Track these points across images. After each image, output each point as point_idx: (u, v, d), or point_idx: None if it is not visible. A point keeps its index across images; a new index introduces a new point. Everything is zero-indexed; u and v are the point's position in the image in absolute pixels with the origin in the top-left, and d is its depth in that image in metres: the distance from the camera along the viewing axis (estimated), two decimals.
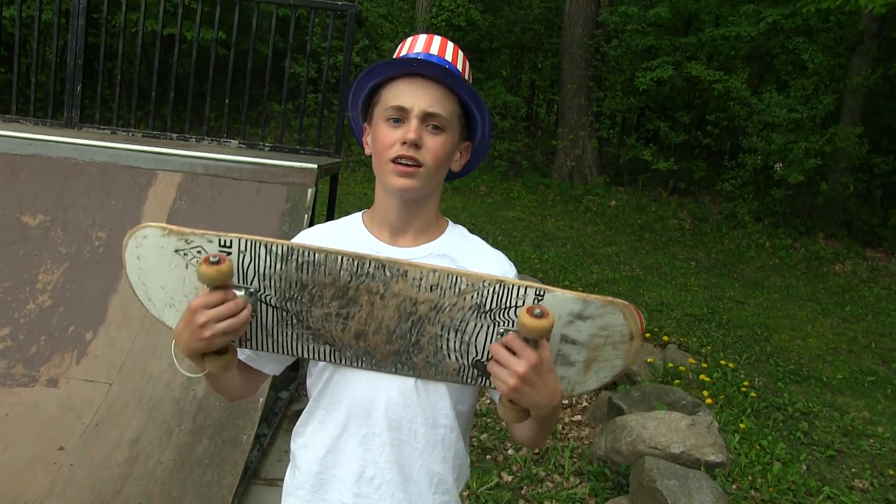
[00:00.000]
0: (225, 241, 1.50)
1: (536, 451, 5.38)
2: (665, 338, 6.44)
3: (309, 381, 1.78)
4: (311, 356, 1.63)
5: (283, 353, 1.64)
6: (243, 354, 1.73)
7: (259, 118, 6.25)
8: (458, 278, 1.48)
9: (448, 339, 1.54)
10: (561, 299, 1.45)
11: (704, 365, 5.86)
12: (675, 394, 5.28)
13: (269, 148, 6.13)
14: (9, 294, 4.43)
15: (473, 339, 1.52)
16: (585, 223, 12.46)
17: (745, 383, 5.62)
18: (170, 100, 6.40)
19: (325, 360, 1.64)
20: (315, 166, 5.00)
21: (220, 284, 1.45)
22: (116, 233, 4.69)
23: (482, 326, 1.50)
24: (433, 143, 1.63)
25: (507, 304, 1.46)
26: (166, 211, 4.84)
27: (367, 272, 1.50)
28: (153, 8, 7.52)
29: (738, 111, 12.76)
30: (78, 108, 6.22)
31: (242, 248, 1.50)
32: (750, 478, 4.31)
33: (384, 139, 1.65)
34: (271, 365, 1.77)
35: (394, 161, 1.63)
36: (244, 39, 6.15)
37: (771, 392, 5.60)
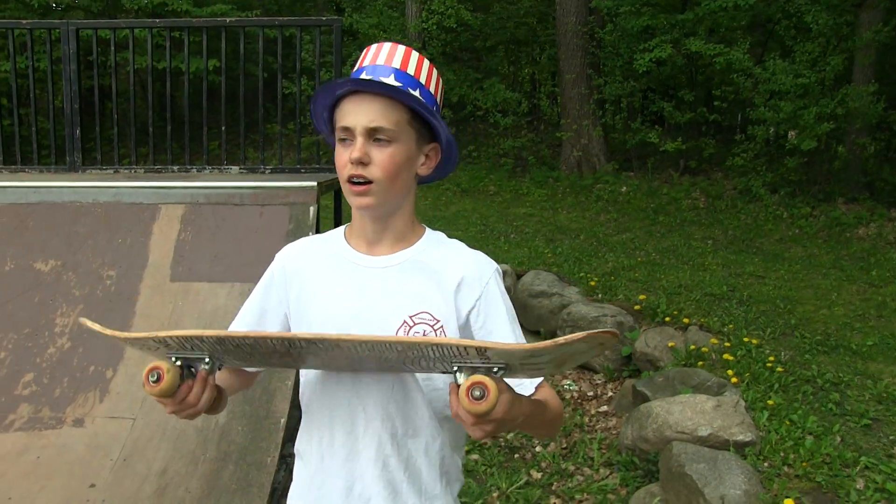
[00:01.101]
0: (162, 340, 1.51)
1: (565, 446, 5.35)
2: (685, 320, 6.38)
3: (300, 394, 1.84)
4: (289, 367, 1.73)
5: (264, 368, 1.73)
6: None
7: (259, 142, 6.25)
8: (390, 345, 1.44)
9: (414, 370, 1.59)
10: (505, 354, 1.37)
11: (727, 344, 5.79)
12: (699, 376, 5.24)
13: (270, 170, 6.16)
14: (29, 340, 4.49)
15: (437, 373, 1.56)
16: (597, 212, 12.40)
17: (771, 359, 5.54)
18: (168, 133, 6.42)
19: (306, 367, 1.73)
20: (314, 184, 5.03)
21: (168, 395, 1.50)
22: (126, 270, 4.75)
23: (438, 368, 1.49)
24: (380, 157, 1.65)
25: (454, 356, 1.39)
26: (172, 244, 4.88)
27: (302, 346, 1.50)
28: (143, 45, 7.54)
29: (742, 83, 12.61)
30: (79, 151, 6.29)
31: (182, 343, 1.51)
32: (782, 454, 4.24)
33: (338, 160, 1.69)
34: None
35: (349, 181, 1.67)
36: (236, 65, 6.16)
37: (798, 365, 5.51)
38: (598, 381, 6.40)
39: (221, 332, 1.50)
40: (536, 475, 4.91)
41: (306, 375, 1.80)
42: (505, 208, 12.83)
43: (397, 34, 16.39)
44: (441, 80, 1.81)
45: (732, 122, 15.49)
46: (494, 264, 1.80)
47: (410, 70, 1.72)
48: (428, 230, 1.84)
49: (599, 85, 14.58)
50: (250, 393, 3.99)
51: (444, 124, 1.74)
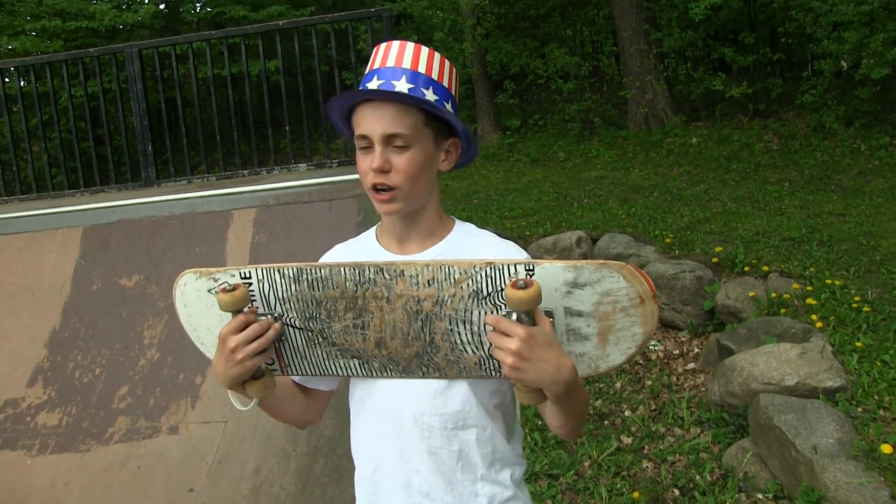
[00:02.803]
0: (244, 273, 1.61)
1: (654, 407, 5.34)
2: (765, 268, 6.28)
3: (349, 397, 1.86)
4: (345, 372, 1.70)
5: (320, 373, 1.72)
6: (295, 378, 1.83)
7: (324, 138, 6.35)
8: (451, 268, 1.51)
9: (459, 333, 1.56)
10: (551, 270, 1.45)
11: (809, 288, 5.68)
12: (782, 324, 5.17)
13: (336, 164, 6.23)
14: (121, 354, 4.68)
15: (482, 327, 1.54)
16: (669, 167, 12.22)
17: (857, 298, 5.41)
18: (234, 138, 6.57)
19: (358, 374, 1.71)
20: None
21: (239, 309, 1.56)
22: None
23: (486, 313, 1.52)
24: (401, 162, 1.67)
25: (503, 286, 1.48)
26: (248, 247, 4.99)
27: (369, 278, 1.56)
28: (204, 55, 7.71)
29: (802, 19, 12.26)
30: (153, 166, 6.48)
31: (260, 276, 1.60)
32: (876, 397, 4.16)
33: (360, 167, 1.72)
34: (324, 381, 1.88)
35: (372, 188, 1.69)
36: (296, 64, 6.28)
37: (887, 303, 5.36)
38: (683, 339, 6.36)
39: (299, 264, 1.59)
40: (627, 440, 4.92)
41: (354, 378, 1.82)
42: (576, 173, 12.75)
43: (451, 13, 16.34)
44: (455, 72, 1.80)
45: (799, 59, 15.08)
46: (525, 254, 1.80)
47: (422, 68, 1.72)
48: (458, 222, 1.86)
49: (658, 39, 14.32)
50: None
51: (459, 120, 1.74)
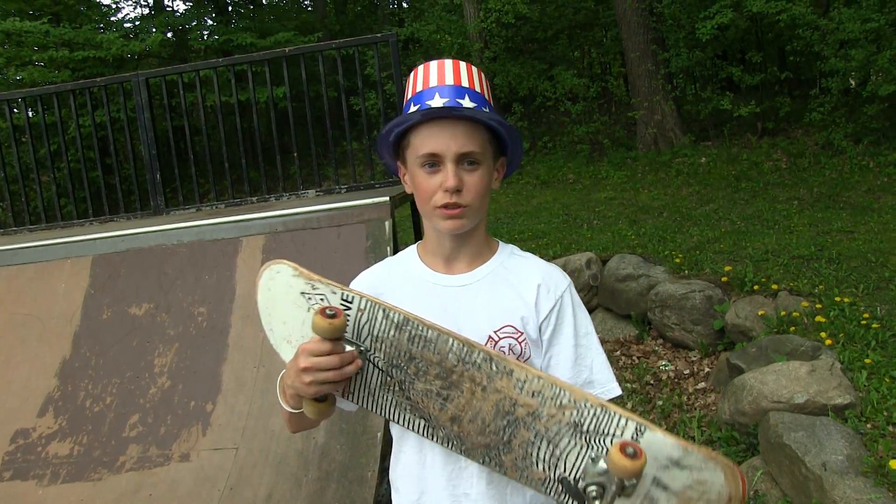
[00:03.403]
0: (347, 297, 1.58)
1: (665, 427, 5.32)
2: (774, 286, 6.26)
3: (391, 424, 1.80)
4: (405, 425, 1.65)
5: (380, 415, 1.67)
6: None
7: (333, 163, 6.40)
8: (562, 391, 1.48)
9: (539, 448, 1.53)
10: (661, 442, 1.40)
11: (819, 305, 5.66)
12: (792, 342, 5.15)
13: (345, 189, 6.26)
14: (132, 383, 4.69)
15: (564, 454, 1.51)
16: (679, 187, 12.22)
17: (866, 315, 5.39)
18: (242, 165, 6.62)
19: (417, 433, 1.66)
20: (387, 199, 5.09)
21: (331, 337, 1.50)
22: (216, 305, 4.90)
23: (575, 445, 1.49)
24: (472, 181, 1.66)
25: (605, 431, 1.45)
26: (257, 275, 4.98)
27: (474, 361, 1.53)
28: (211, 83, 7.77)
29: (809, 37, 12.29)
30: (161, 194, 6.52)
31: (362, 306, 1.58)
32: (885, 413, 4.13)
33: (425, 186, 1.68)
34: (353, 406, 1.81)
35: (443, 207, 1.66)
36: (302, 91, 6.33)
37: None
38: (694, 358, 6.34)
39: (408, 313, 1.56)
40: None
41: None
42: (586, 195, 12.75)
43: (458, 37, 16.45)
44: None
45: (808, 77, 15.09)
46: (569, 279, 1.81)
47: (476, 86, 1.71)
48: (501, 244, 1.85)
49: (666, 59, 14.37)
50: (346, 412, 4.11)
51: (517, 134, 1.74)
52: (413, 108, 1.69)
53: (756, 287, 6.34)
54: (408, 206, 6.39)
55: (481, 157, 1.66)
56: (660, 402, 5.71)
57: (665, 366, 6.31)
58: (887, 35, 11.40)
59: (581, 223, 10.34)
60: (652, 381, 6.05)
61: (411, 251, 1.86)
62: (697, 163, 13.22)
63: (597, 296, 7.71)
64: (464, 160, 1.64)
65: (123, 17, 24.32)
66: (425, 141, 1.65)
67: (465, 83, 1.69)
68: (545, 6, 17.21)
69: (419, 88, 1.71)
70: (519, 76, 16.06)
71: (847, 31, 11.53)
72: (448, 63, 1.72)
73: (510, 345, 1.70)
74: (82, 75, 16.09)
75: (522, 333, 1.72)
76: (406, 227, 6.87)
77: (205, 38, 19.12)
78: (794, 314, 5.57)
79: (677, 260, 7.44)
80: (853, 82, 12.40)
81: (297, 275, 1.62)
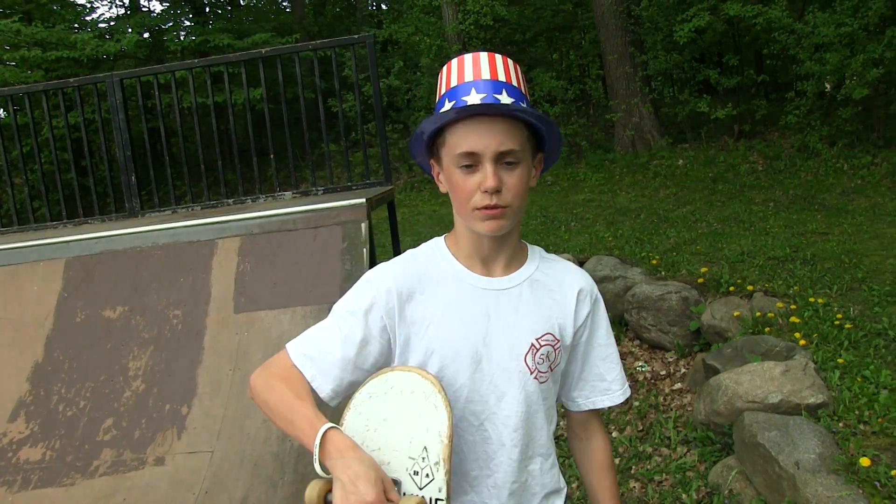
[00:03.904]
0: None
1: (641, 428, 5.34)
2: (749, 287, 6.29)
3: None
4: None
5: None
6: (332, 399, 1.72)
7: (310, 165, 6.38)
8: None
9: None
10: None
11: (793, 306, 5.69)
12: (767, 342, 5.18)
13: (322, 191, 6.24)
14: (105, 386, 4.64)
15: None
16: (656, 189, 12.28)
17: (839, 316, 5.42)
18: (219, 167, 6.58)
19: None
20: (363, 200, 5.06)
21: None
22: (191, 308, 4.86)
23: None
24: (512, 181, 1.59)
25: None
26: (232, 276, 4.98)
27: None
28: (187, 84, 7.73)
29: (785, 41, 12.39)
30: (136, 197, 6.46)
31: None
32: (856, 412, 4.17)
33: (463, 186, 1.60)
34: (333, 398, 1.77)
35: (483, 209, 1.59)
36: (279, 93, 6.30)
37: (868, 319, 5.39)
38: (670, 360, 6.36)
39: None
40: (614, 461, 4.91)
41: None
42: (563, 197, 12.79)
43: (437, 38, 16.46)
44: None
45: (784, 80, 15.20)
46: (590, 277, 1.83)
47: (513, 81, 1.62)
48: (529, 246, 1.81)
49: (644, 61, 14.43)
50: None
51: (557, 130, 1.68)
52: (447, 105, 1.61)
53: (732, 288, 6.37)
54: (384, 208, 6.38)
55: (521, 155, 1.59)
56: (636, 403, 5.73)
57: (642, 367, 6.33)
58: (861, 39, 11.50)
59: (559, 225, 10.37)
60: (629, 382, 6.06)
61: (440, 247, 1.76)
62: (675, 165, 13.29)
63: None
64: (503, 159, 1.57)
65: (98, 17, 24.18)
66: (462, 139, 1.57)
67: (501, 77, 1.60)
68: (524, 8, 17.26)
69: (453, 83, 1.62)
70: None
71: (822, 35, 11.64)
72: (483, 56, 1.63)
73: (548, 353, 1.70)
74: (56, 76, 15.95)
75: (559, 341, 1.72)
76: (383, 230, 6.85)
77: (181, 38, 19.05)
78: (769, 315, 5.60)
79: (654, 261, 7.47)
80: (828, 86, 12.50)
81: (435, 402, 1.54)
